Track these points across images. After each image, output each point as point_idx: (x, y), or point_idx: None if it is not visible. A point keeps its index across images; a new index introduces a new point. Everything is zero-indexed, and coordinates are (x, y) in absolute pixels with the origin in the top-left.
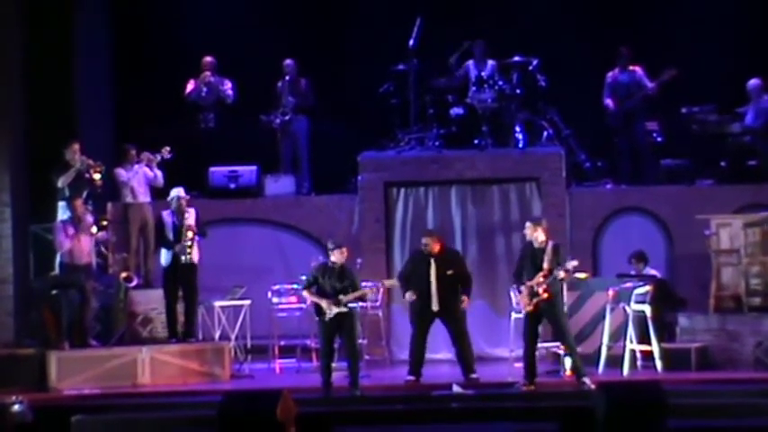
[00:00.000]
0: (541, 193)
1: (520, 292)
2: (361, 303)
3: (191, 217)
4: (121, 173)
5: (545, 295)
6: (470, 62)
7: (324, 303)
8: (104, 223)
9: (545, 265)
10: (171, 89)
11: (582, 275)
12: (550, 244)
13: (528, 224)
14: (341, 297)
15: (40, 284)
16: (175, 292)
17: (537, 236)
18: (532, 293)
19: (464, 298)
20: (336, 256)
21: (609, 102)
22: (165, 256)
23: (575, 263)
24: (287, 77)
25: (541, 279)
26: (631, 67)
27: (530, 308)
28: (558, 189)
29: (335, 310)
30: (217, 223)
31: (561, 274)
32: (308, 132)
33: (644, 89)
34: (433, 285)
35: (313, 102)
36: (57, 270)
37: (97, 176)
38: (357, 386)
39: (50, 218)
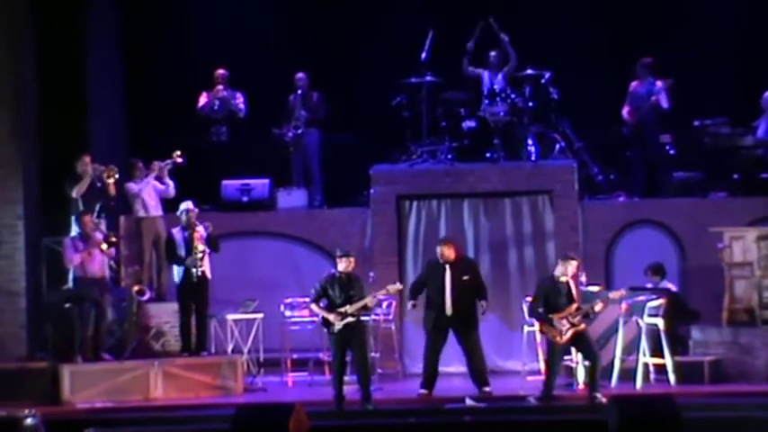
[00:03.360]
0: (554, 206)
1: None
2: (373, 316)
3: (201, 230)
4: (132, 186)
5: (582, 326)
6: (485, 72)
7: (331, 317)
8: (113, 240)
9: (575, 301)
10: (183, 102)
11: (594, 288)
12: (572, 281)
13: (572, 262)
14: (346, 308)
15: (53, 298)
16: (190, 306)
17: (567, 270)
18: (570, 325)
19: (483, 303)
20: (343, 265)
21: (625, 111)
22: (177, 273)
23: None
24: (299, 91)
25: (574, 311)
26: (653, 80)
27: (566, 339)
28: (571, 202)
29: (342, 322)
30: (229, 236)
31: (599, 306)
32: (320, 145)
33: (653, 101)
34: (448, 291)
35: (325, 115)
36: (70, 284)
37: (111, 180)
38: (369, 399)
39: (63, 231)
